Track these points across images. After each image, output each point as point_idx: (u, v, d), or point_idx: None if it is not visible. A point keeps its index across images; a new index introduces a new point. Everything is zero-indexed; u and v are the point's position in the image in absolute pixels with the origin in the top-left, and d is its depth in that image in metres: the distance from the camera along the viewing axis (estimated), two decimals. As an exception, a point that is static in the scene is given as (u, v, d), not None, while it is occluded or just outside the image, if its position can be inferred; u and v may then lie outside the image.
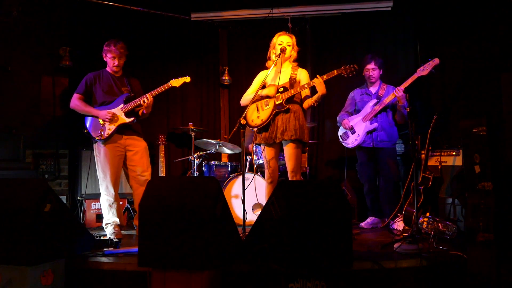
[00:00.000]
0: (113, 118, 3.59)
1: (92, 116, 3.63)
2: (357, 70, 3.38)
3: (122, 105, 3.64)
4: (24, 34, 4.62)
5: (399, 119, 4.10)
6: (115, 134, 3.61)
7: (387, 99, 3.96)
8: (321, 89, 3.32)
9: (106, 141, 3.59)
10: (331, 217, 2.33)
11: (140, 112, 3.70)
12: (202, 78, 5.57)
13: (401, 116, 4.07)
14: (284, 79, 3.48)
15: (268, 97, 3.49)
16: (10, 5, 4.51)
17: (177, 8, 5.29)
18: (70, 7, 4.88)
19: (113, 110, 3.61)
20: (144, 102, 3.60)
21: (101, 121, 3.60)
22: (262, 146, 3.52)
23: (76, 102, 3.65)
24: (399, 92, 3.86)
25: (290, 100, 3.42)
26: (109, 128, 3.59)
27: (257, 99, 3.51)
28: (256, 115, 3.51)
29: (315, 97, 3.41)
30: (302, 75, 3.52)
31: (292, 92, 3.39)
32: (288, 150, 3.42)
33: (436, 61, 3.78)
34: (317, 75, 3.34)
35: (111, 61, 3.69)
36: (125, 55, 3.74)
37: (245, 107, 3.49)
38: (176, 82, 3.75)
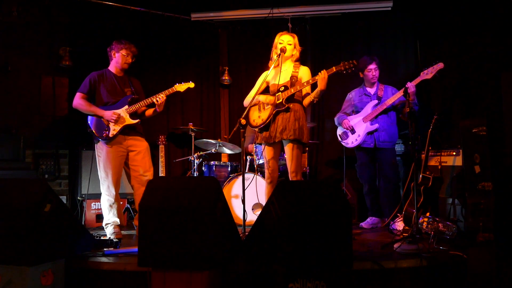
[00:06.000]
0: (118, 119, 3.59)
1: (96, 116, 3.61)
2: (356, 65, 3.30)
3: (126, 106, 3.64)
4: (24, 34, 4.62)
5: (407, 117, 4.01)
6: (119, 134, 3.60)
7: (389, 101, 3.94)
8: (322, 84, 3.25)
9: (110, 141, 3.58)
10: (331, 217, 2.33)
11: (146, 113, 3.70)
12: (202, 78, 5.56)
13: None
14: (285, 78, 3.46)
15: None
16: (10, 5, 4.51)
17: (177, 8, 5.30)
18: (70, 7, 4.87)
19: (118, 111, 3.61)
20: (149, 103, 3.64)
21: (105, 121, 3.59)
22: (263, 146, 3.52)
23: (79, 101, 3.62)
24: (412, 88, 3.71)
25: (290, 99, 3.40)
26: (114, 128, 3.58)
27: (255, 103, 3.52)
28: (258, 115, 3.51)
29: (314, 93, 3.36)
30: (304, 72, 3.47)
31: (292, 90, 3.37)
32: (289, 150, 3.42)
33: (440, 65, 3.74)
34: (322, 70, 3.27)
35: (124, 57, 3.67)
36: (135, 56, 3.75)
37: (245, 107, 3.50)
38: (180, 87, 3.75)
